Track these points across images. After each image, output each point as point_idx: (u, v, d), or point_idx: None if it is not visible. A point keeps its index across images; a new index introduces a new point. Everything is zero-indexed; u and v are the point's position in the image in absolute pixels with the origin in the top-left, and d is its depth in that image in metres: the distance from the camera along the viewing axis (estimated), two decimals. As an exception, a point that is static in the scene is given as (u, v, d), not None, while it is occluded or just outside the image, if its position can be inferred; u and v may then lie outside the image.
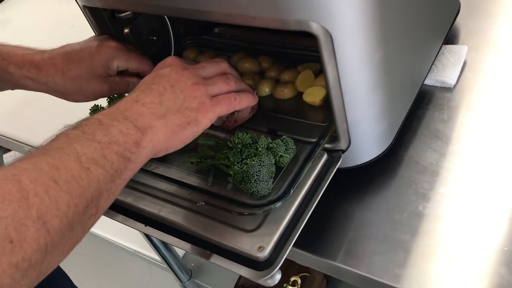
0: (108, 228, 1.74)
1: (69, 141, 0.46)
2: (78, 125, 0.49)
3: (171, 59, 0.61)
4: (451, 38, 0.87)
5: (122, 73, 0.73)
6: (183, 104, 0.55)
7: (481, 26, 0.89)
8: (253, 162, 0.59)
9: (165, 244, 1.43)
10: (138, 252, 1.70)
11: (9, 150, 2.28)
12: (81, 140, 0.46)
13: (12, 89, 0.73)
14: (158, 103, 0.54)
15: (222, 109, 0.59)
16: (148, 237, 1.37)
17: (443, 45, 0.83)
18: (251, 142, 0.62)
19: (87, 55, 0.70)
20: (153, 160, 0.72)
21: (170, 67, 0.59)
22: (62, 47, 0.73)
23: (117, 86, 0.74)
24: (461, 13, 0.87)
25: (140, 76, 0.75)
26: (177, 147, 0.55)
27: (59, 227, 0.40)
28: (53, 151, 0.44)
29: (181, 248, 0.63)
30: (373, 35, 0.55)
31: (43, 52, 0.72)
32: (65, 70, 0.69)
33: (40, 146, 0.46)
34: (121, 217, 0.68)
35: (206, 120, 0.57)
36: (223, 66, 0.65)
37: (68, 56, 0.70)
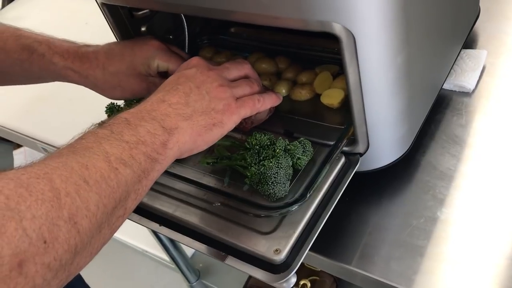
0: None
1: (98, 140, 0.45)
2: (106, 125, 0.49)
3: (196, 60, 0.61)
4: (470, 42, 0.86)
5: (163, 75, 0.72)
6: (209, 105, 0.55)
7: (500, 30, 0.88)
8: (271, 164, 0.58)
9: (174, 243, 1.42)
10: (146, 252, 1.70)
11: (19, 146, 2.29)
12: (109, 140, 0.46)
13: (53, 80, 0.73)
14: (185, 104, 0.54)
15: (247, 111, 0.59)
16: (157, 236, 1.36)
17: (462, 50, 0.82)
18: (268, 143, 0.61)
19: (128, 52, 0.70)
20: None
21: (195, 68, 0.59)
22: (108, 43, 0.73)
23: (155, 88, 0.73)
24: (480, 18, 0.86)
25: None
26: (201, 148, 0.55)
27: (88, 227, 0.39)
28: (82, 150, 0.44)
29: (195, 249, 0.62)
30: (396, 37, 0.54)
31: (88, 46, 0.72)
32: (106, 65, 0.70)
33: (68, 144, 0.46)
34: (136, 216, 0.67)
35: (231, 122, 0.57)
36: (247, 68, 0.65)
37: (111, 51, 0.71)
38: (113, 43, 0.74)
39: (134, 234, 1.71)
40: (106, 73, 0.70)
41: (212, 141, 0.56)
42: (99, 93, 0.73)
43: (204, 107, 0.55)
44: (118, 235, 1.75)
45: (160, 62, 0.70)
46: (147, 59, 0.70)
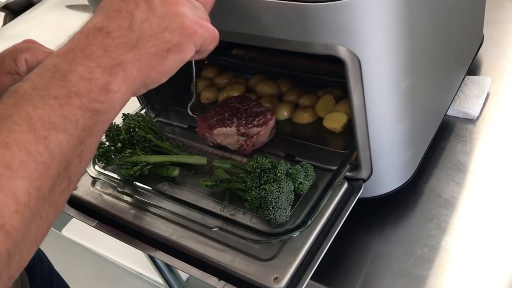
0: (110, 248, 1.70)
1: (18, 102, 0.36)
2: (29, 76, 0.38)
3: None
4: (473, 69, 0.85)
5: None
6: (161, 24, 0.42)
7: (503, 57, 0.88)
8: (272, 188, 0.56)
9: (169, 267, 1.39)
10: (141, 274, 1.66)
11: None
12: (32, 99, 0.36)
13: None
14: (128, 28, 0.41)
15: (210, 30, 0.45)
16: (152, 259, 1.33)
17: (466, 76, 0.81)
18: (270, 167, 0.60)
19: (3, 52, 0.63)
20: (164, 182, 0.70)
21: None
22: None
23: None
24: (484, 45, 0.85)
25: None
26: (158, 81, 0.44)
27: (21, 223, 0.33)
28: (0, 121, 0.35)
29: (191, 274, 0.60)
30: (402, 62, 0.53)
31: None
32: None
33: None
34: (130, 239, 0.65)
35: (191, 45, 0.43)
36: None
37: None
38: None
39: (129, 256, 1.68)
40: None
41: (169, 71, 0.44)
42: None
43: (154, 27, 0.41)
44: (112, 256, 1.71)
45: (28, 55, 0.61)
46: (14, 53, 0.61)
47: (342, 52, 0.50)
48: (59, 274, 0.99)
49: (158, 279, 1.50)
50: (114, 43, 0.40)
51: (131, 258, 1.67)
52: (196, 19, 0.43)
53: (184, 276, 1.54)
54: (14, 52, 0.61)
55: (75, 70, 0.38)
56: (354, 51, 0.49)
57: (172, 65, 0.43)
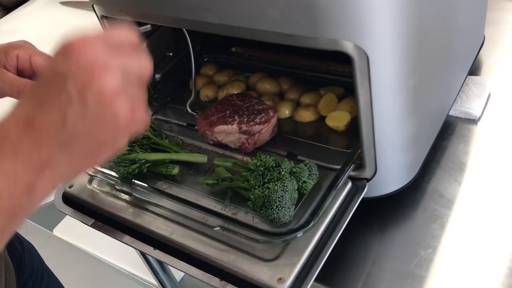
0: (103, 248, 1.68)
1: None
2: None
3: (76, 40, 0.39)
4: (474, 69, 0.85)
5: (22, 74, 0.61)
6: (96, 123, 0.38)
7: (504, 58, 0.87)
8: (276, 187, 0.55)
9: (163, 267, 1.37)
10: (133, 275, 1.64)
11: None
12: None
13: None
14: (60, 127, 0.38)
15: (144, 125, 0.42)
16: (146, 259, 1.31)
17: (467, 76, 0.81)
18: (274, 165, 0.58)
19: None
20: (163, 180, 0.68)
21: (77, 59, 0.38)
22: None
23: (6, 84, 0.60)
24: (485, 45, 0.85)
25: None
26: (84, 172, 0.44)
27: None
28: None
29: (192, 275, 0.58)
30: (410, 60, 0.52)
31: None
32: None
33: None
34: (128, 238, 0.64)
35: (123, 140, 0.41)
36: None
37: None
38: None
39: (121, 256, 1.66)
40: None
41: (99, 163, 0.43)
42: None
43: (88, 127, 0.38)
44: (105, 256, 1.69)
45: (21, 52, 0.60)
46: (6, 48, 0.60)
47: (350, 48, 0.49)
48: (50, 270, 0.97)
49: (152, 279, 1.48)
50: (45, 141, 0.38)
51: (123, 258, 1.65)
52: (131, 115, 0.40)
53: (178, 276, 1.52)
54: (7, 47, 0.60)
55: (1, 168, 0.37)
56: (362, 47, 0.48)
57: (103, 159, 0.41)
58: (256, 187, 0.57)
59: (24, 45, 0.62)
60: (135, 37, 0.42)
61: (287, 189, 0.56)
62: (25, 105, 0.39)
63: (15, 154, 0.37)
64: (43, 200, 0.39)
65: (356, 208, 0.60)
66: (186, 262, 0.59)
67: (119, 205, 0.67)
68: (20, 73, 0.62)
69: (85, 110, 0.38)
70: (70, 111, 0.37)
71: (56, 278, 0.98)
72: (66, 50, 0.38)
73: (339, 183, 0.59)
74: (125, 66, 0.39)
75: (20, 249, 0.89)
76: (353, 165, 0.62)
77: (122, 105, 0.38)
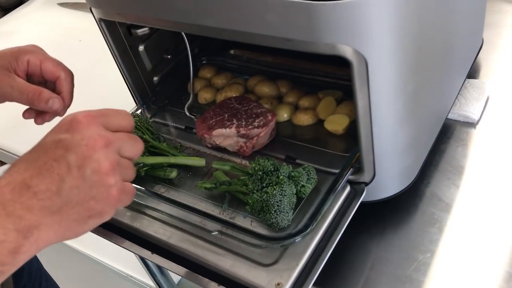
0: (100, 250, 1.68)
1: None
2: None
3: (82, 116, 0.43)
4: (473, 72, 0.85)
5: (31, 79, 0.62)
6: (89, 193, 0.41)
7: (502, 61, 0.87)
8: (274, 191, 0.55)
9: (161, 269, 1.37)
10: (131, 277, 1.64)
11: (3, 163, 2.23)
12: None
13: None
14: (56, 193, 0.40)
15: (131, 198, 0.45)
16: (144, 261, 1.31)
17: (466, 79, 0.81)
18: (272, 169, 0.58)
19: (6, 50, 0.62)
20: (161, 184, 0.68)
21: (80, 134, 0.42)
22: None
23: (11, 90, 0.60)
24: (483, 48, 0.85)
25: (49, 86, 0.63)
26: (71, 239, 0.44)
27: None
28: None
29: (189, 279, 0.58)
30: (409, 64, 0.52)
31: None
32: None
33: None
34: (126, 242, 0.63)
35: (112, 211, 0.44)
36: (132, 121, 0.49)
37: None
38: None
39: (119, 258, 1.65)
40: None
41: (85, 232, 0.44)
42: None
43: (82, 196, 0.41)
44: (103, 258, 1.69)
45: (32, 57, 0.60)
46: (17, 52, 0.61)
47: (349, 52, 0.49)
48: (48, 274, 0.97)
49: (149, 281, 1.47)
50: (39, 205, 0.39)
51: (121, 260, 1.65)
52: (122, 187, 0.43)
53: (175, 278, 1.52)
54: (18, 51, 0.60)
55: None
56: (361, 52, 0.48)
57: (90, 228, 0.43)
58: (255, 191, 0.57)
59: (34, 50, 0.63)
60: (132, 121, 0.48)
61: (286, 194, 0.55)
62: (23, 168, 0.41)
63: (7, 215, 0.38)
64: (21, 264, 0.40)
65: (355, 212, 0.60)
66: (184, 266, 0.59)
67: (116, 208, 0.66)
68: (29, 77, 0.63)
69: (82, 181, 0.41)
70: (67, 179, 0.40)
71: (55, 282, 0.97)
72: (72, 123, 0.43)
73: (337, 187, 0.59)
74: (121, 146, 0.44)
75: None
76: (351, 169, 0.62)
77: (116, 179, 0.42)
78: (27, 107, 0.65)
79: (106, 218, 0.44)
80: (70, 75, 0.64)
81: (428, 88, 0.61)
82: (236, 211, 0.61)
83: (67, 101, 0.63)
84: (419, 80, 0.56)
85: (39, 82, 0.63)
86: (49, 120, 0.65)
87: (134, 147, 0.46)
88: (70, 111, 0.72)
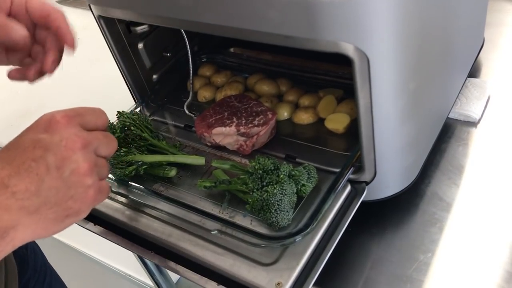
0: (98, 249, 1.67)
1: None
2: None
3: (60, 116, 0.43)
4: (474, 72, 0.84)
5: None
6: (67, 193, 0.42)
7: (503, 60, 0.87)
8: (275, 190, 0.54)
9: (159, 269, 1.37)
10: (130, 276, 1.63)
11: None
12: None
13: None
14: (34, 193, 0.40)
15: (105, 197, 0.47)
16: (142, 261, 1.30)
17: (467, 78, 0.80)
18: (272, 168, 0.58)
19: None
20: (160, 182, 0.68)
21: (59, 134, 0.42)
22: None
23: None
24: (484, 47, 0.85)
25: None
26: (46, 237, 0.44)
27: None
28: None
29: (189, 278, 0.58)
30: (411, 62, 0.52)
31: None
32: None
33: None
34: (125, 241, 0.63)
35: (88, 210, 0.45)
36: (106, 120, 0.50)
37: None
38: None
39: (117, 257, 1.65)
40: None
41: (61, 231, 0.44)
42: None
43: (60, 196, 0.41)
44: (100, 257, 1.68)
45: None
46: None
47: (351, 50, 0.48)
48: (53, 269, 0.96)
49: (148, 281, 1.47)
50: (17, 205, 0.39)
51: (120, 259, 1.65)
52: (99, 186, 0.45)
53: (174, 278, 1.51)
54: None
55: None
56: (363, 50, 0.48)
57: (66, 226, 0.44)
58: (255, 190, 0.57)
59: None
60: (107, 119, 0.49)
61: (286, 193, 0.55)
62: (1, 165, 0.40)
63: None
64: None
65: (356, 211, 0.60)
66: (183, 266, 0.58)
67: (115, 207, 0.66)
68: (13, 18, 0.55)
69: (61, 182, 0.41)
70: (47, 180, 0.40)
71: (59, 278, 0.97)
72: (50, 123, 0.43)
73: (338, 186, 0.59)
74: (98, 146, 0.45)
75: (24, 248, 0.88)
76: (352, 168, 0.61)
77: (94, 179, 0.43)
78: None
79: (82, 216, 0.44)
80: (61, 12, 0.58)
81: (429, 87, 0.61)
82: (236, 210, 0.61)
83: (69, 38, 0.57)
84: (420, 78, 0.56)
85: (27, 28, 0.55)
86: (40, 76, 0.60)
87: (110, 146, 0.47)
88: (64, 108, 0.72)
